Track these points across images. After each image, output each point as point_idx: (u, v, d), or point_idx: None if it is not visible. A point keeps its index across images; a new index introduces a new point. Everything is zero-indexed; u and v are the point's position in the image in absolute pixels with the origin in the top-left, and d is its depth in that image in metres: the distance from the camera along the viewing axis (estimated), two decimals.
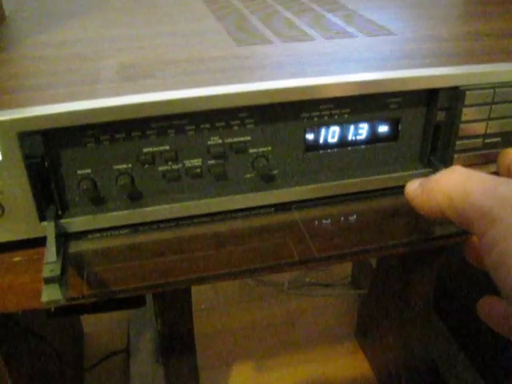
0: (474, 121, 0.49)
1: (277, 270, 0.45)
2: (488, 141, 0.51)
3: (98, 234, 0.47)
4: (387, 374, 1.21)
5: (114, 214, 0.46)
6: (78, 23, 0.67)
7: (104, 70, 0.49)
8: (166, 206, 0.47)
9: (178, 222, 0.48)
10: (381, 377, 1.24)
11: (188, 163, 0.46)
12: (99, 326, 1.33)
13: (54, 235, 0.43)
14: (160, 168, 0.46)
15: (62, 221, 0.45)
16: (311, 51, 0.54)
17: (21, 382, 0.66)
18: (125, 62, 0.51)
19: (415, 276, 1.03)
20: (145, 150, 0.45)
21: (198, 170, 0.47)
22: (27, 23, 0.70)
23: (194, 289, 0.97)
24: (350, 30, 0.61)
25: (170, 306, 0.92)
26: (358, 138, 0.50)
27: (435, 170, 0.51)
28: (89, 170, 0.45)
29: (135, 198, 0.47)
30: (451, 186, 0.37)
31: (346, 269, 1.49)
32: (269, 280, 1.46)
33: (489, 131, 0.50)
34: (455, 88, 0.48)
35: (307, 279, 1.47)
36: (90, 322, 1.32)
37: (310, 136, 0.48)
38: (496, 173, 0.50)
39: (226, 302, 1.41)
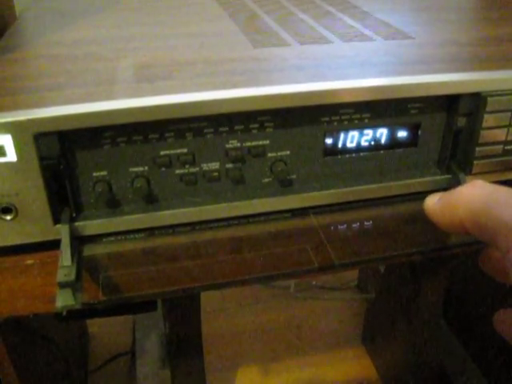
0: (494, 127, 0.49)
1: (295, 277, 0.45)
2: (508, 148, 0.50)
3: (112, 238, 0.46)
4: (394, 380, 1.21)
5: (130, 217, 0.45)
6: (91, 22, 0.67)
7: (120, 70, 0.49)
8: (183, 210, 0.46)
9: (194, 226, 0.47)
10: (387, 383, 1.23)
11: (205, 167, 0.46)
12: (105, 328, 1.32)
13: (68, 238, 0.42)
14: (177, 171, 0.45)
15: (77, 223, 0.44)
16: (330, 54, 0.53)
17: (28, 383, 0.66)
18: (141, 63, 0.50)
19: (424, 282, 1.02)
20: (162, 152, 0.44)
21: (216, 174, 0.46)
22: (39, 22, 0.70)
23: (202, 292, 0.96)
24: (368, 33, 0.60)
25: (178, 308, 0.91)
26: (378, 143, 0.49)
27: (454, 176, 0.50)
28: (105, 172, 0.44)
29: (151, 201, 0.46)
30: (474, 200, 0.36)
31: (352, 273, 1.48)
32: (275, 283, 1.46)
33: (510, 138, 0.50)
34: (476, 94, 0.47)
35: (314, 283, 1.47)
36: (96, 324, 1.32)
37: (329, 140, 0.48)
38: None
39: (232, 305, 1.41)
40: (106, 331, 1.32)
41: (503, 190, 0.36)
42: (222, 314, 1.38)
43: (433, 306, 1.07)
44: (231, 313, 1.39)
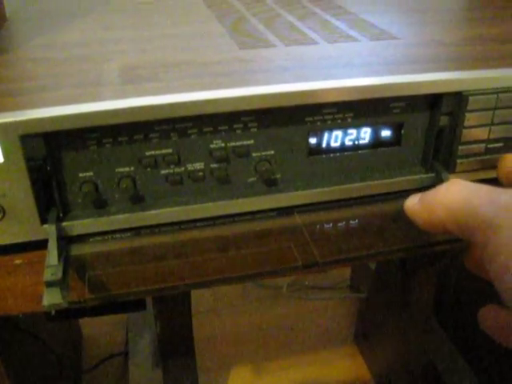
0: (476, 126, 0.49)
1: (279, 275, 0.45)
2: (491, 146, 0.51)
3: (99, 238, 0.46)
4: (386, 379, 1.21)
5: (116, 217, 0.46)
6: (80, 25, 0.67)
7: (106, 72, 0.49)
8: (168, 210, 0.47)
9: (180, 225, 0.48)
10: (379, 381, 1.24)
11: (190, 167, 0.46)
12: (98, 329, 1.32)
13: (55, 238, 0.42)
14: (162, 171, 0.46)
15: (64, 224, 0.45)
16: (314, 55, 0.53)
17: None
18: (127, 65, 0.51)
19: (415, 280, 1.03)
20: (147, 153, 0.45)
21: (201, 174, 0.47)
22: (28, 25, 0.70)
23: (193, 292, 0.97)
24: (353, 33, 0.61)
25: (170, 308, 0.91)
26: (361, 142, 0.50)
27: (438, 174, 0.51)
28: (91, 173, 0.44)
29: (137, 201, 0.47)
30: (452, 198, 0.37)
31: (344, 272, 1.49)
32: (268, 283, 1.46)
33: (491, 136, 0.50)
34: (458, 93, 0.48)
35: (306, 282, 1.47)
36: (89, 324, 1.32)
37: (313, 140, 0.48)
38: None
39: (224, 305, 1.41)
40: (100, 332, 1.32)
41: (479, 187, 0.37)
42: (215, 314, 1.39)
43: (424, 305, 1.08)
44: (223, 313, 1.39)
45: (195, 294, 1.06)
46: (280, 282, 1.45)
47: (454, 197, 0.37)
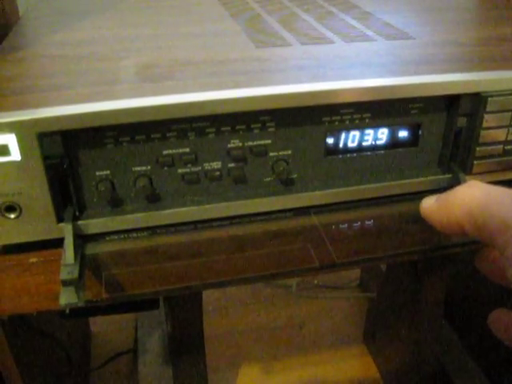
0: (494, 127, 0.49)
1: (296, 275, 0.45)
2: (508, 147, 0.51)
3: (115, 236, 0.46)
4: (395, 379, 1.21)
5: (132, 216, 0.46)
6: (94, 22, 0.67)
7: (123, 70, 0.49)
8: (185, 209, 0.47)
9: (196, 225, 0.48)
10: (389, 381, 1.23)
11: (207, 166, 0.46)
12: (107, 326, 1.32)
13: (71, 237, 0.42)
14: (179, 170, 0.46)
15: (80, 222, 0.45)
16: (331, 54, 0.53)
17: (31, 381, 0.66)
18: (144, 63, 0.51)
19: (426, 280, 1.03)
20: (164, 152, 0.45)
21: (218, 173, 0.46)
22: (42, 22, 0.70)
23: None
24: (369, 33, 0.60)
25: (181, 307, 0.91)
26: (379, 142, 0.50)
27: (455, 176, 0.51)
28: (107, 172, 0.44)
29: (153, 200, 0.47)
30: (471, 199, 0.37)
31: (354, 272, 1.48)
32: (277, 282, 1.46)
33: (510, 138, 0.50)
34: (477, 94, 0.47)
35: (315, 282, 1.47)
36: (98, 322, 1.32)
37: (330, 140, 0.48)
38: None
39: (234, 304, 1.41)
40: (108, 330, 1.32)
41: (499, 189, 0.36)
42: (224, 313, 1.38)
43: (434, 305, 1.07)
44: (233, 312, 1.39)
45: (205, 293, 1.05)
46: (289, 281, 1.45)
47: (472, 198, 0.37)
